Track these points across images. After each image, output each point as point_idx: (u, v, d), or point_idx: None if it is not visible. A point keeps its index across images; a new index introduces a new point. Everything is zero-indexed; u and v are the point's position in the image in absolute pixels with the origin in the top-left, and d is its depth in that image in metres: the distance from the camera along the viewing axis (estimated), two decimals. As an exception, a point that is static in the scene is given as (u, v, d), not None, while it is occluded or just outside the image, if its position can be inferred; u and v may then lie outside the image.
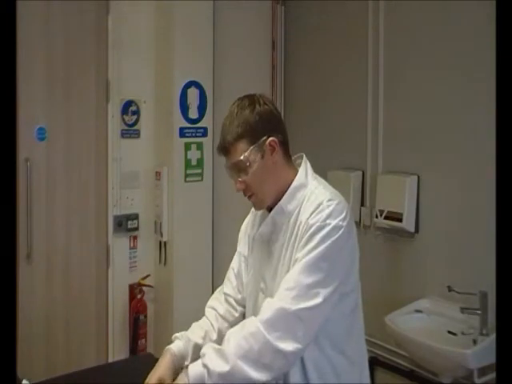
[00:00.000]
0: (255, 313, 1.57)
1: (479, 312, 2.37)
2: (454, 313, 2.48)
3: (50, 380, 1.90)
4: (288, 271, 1.48)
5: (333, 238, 1.42)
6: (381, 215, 2.89)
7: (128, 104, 3.27)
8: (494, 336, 2.25)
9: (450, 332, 2.48)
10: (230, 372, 1.37)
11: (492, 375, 2.27)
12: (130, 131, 3.30)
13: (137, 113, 3.31)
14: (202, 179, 3.33)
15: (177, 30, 3.20)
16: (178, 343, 1.66)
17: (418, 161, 2.82)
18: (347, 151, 3.24)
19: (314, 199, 1.50)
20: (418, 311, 2.65)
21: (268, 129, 1.54)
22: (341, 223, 1.44)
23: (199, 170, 3.32)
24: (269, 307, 1.42)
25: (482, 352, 2.24)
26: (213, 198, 3.39)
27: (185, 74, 3.24)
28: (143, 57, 3.30)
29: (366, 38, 3.08)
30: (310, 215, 1.46)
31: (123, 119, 3.27)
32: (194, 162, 3.29)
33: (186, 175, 3.27)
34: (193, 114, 3.28)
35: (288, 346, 1.37)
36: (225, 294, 1.74)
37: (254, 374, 1.37)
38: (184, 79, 3.23)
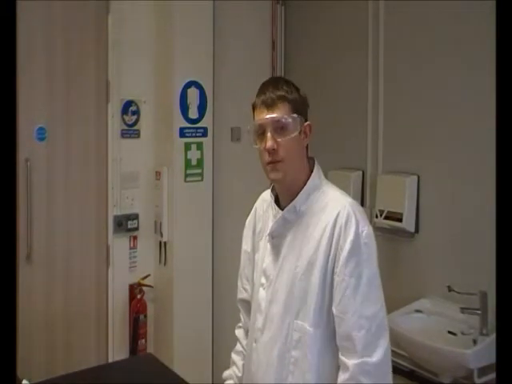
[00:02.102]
0: (256, 309, 1.62)
1: (479, 312, 2.37)
2: (454, 313, 2.48)
3: (50, 380, 1.91)
4: (293, 267, 1.52)
5: (372, 250, 1.49)
6: (381, 215, 2.89)
7: (128, 104, 3.27)
8: (494, 336, 2.25)
9: (450, 332, 2.48)
10: None
11: (492, 375, 2.27)
12: (130, 131, 3.30)
13: (137, 113, 3.31)
14: (202, 179, 3.33)
15: (177, 30, 3.20)
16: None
17: (418, 161, 2.82)
18: (347, 151, 3.24)
19: (334, 203, 1.53)
20: (418, 311, 2.65)
21: (306, 112, 1.59)
22: (368, 228, 1.51)
23: (199, 170, 3.31)
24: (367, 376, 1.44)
25: (481, 352, 2.24)
26: (213, 198, 3.39)
27: (185, 74, 3.24)
28: (143, 57, 3.29)
29: (365, 38, 3.08)
30: (336, 220, 1.48)
31: (123, 119, 3.27)
32: (194, 162, 3.29)
33: (186, 175, 3.27)
34: (193, 114, 3.28)
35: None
36: (240, 300, 1.80)
37: None
38: (184, 79, 3.23)
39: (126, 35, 3.22)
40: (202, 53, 3.30)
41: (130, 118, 3.29)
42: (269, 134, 1.50)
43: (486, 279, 2.26)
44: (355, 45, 3.17)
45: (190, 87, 3.25)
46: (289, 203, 1.57)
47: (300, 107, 1.56)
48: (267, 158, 1.51)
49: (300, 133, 1.54)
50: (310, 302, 1.49)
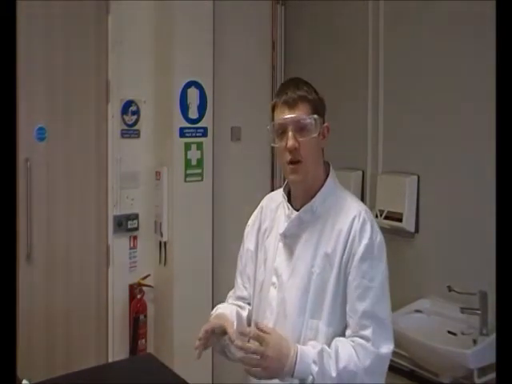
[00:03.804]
0: (265, 307, 1.62)
1: (479, 312, 2.37)
2: (454, 313, 2.48)
3: (50, 380, 1.90)
4: (309, 267, 1.53)
5: (384, 258, 1.53)
6: (381, 215, 2.89)
7: (128, 104, 3.27)
8: (494, 336, 2.25)
9: (450, 332, 2.48)
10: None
11: (492, 375, 2.27)
12: (130, 131, 3.30)
13: (137, 113, 3.31)
14: (202, 179, 3.33)
15: (177, 30, 3.20)
16: (221, 309, 1.70)
17: (418, 161, 2.82)
18: (347, 151, 3.23)
19: (350, 209, 1.56)
20: (418, 311, 2.65)
21: (324, 114, 1.60)
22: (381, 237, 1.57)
23: (199, 170, 3.31)
24: (366, 354, 1.45)
25: (482, 352, 2.24)
26: (213, 198, 3.39)
27: (185, 73, 3.24)
28: (143, 57, 3.29)
29: (366, 37, 3.08)
30: (352, 225, 1.52)
31: (123, 119, 3.27)
32: (194, 162, 3.29)
33: (186, 175, 3.27)
34: (193, 114, 3.28)
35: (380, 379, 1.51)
36: (238, 297, 1.78)
37: None
38: (184, 79, 3.23)
39: (126, 35, 3.22)
40: (202, 53, 3.30)
41: (130, 118, 3.29)
42: (290, 134, 1.51)
43: (486, 279, 2.26)
44: (355, 44, 3.17)
45: (189, 87, 3.25)
46: (303, 204, 1.58)
47: (319, 108, 1.57)
48: (288, 156, 1.53)
49: (319, 134, 1.55)
50: (326, 301, 1.51)
